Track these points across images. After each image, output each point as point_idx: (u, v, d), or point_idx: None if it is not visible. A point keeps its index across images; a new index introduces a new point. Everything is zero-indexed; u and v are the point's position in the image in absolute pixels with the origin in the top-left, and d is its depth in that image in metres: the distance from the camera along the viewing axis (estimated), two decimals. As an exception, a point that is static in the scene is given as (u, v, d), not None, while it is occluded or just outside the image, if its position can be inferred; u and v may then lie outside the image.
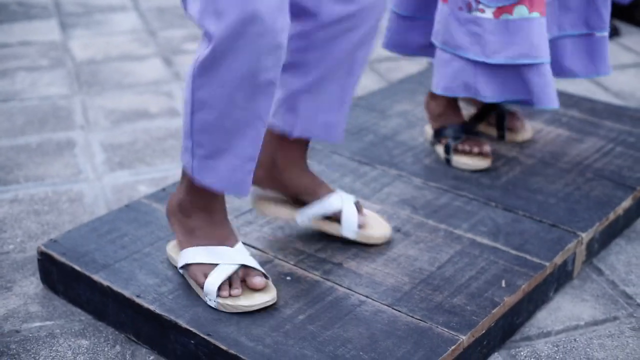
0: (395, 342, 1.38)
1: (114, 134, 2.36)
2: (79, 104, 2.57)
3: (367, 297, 1.50)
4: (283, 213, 1.65)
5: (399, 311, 1.46)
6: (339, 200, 1.63)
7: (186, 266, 1.49)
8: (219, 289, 1.44)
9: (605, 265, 1.76)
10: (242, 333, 1.39)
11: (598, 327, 1.57)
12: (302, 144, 1.62)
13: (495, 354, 1.50)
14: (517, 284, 1.53)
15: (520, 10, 1.77)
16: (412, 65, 2.85)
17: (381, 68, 2.89)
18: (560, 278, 1.66)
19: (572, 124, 2.20)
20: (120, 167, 2.17)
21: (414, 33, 2.03)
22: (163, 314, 1.44)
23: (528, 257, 1.61)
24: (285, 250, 1.63)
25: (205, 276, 1.46)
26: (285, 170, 1.61)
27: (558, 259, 1.62)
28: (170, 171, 2.14)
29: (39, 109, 2.53)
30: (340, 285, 1.53)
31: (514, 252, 1.63)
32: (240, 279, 1.46)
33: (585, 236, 1.70)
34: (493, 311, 1.46)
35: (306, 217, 1.63)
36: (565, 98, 2.35)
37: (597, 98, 2.51)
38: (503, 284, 1.53)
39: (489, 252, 1.63)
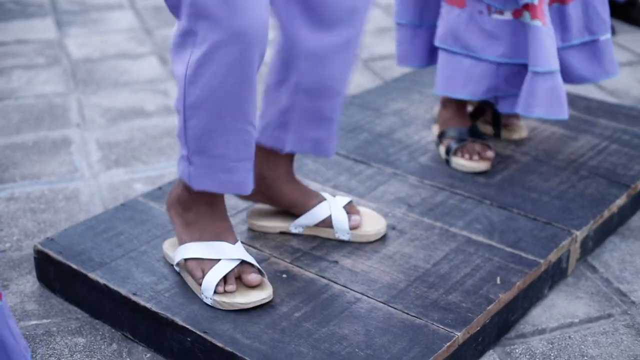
0: (391, 339, 1.39)
1: (110, 132, 2.37)
2: (75, 102, 2.57)
3: (362, 294, 1.50)
4: (275, 225, 1.67)
5: (395, 308, 1.46)
6: (327, 208, 1.65)
7: (183, 262, 1.50)
8: (216, 285, 1.45)
9: (600, 263, 1.77)
10: (238, 330, 1.40)
11: (592, 325, 1.58)
12: (288, 157, 1.64)
13: (490, 350, 1.51)
14: (511, 281, 1.54)
15: (525, 17, 1.78)
16: (408, 64, 2.86)
17: (376, 66, 2.90)
18: (555, 275, 1.67)
19: (566, 122, 2.21)
20: (117, 165, 2.17)
21: (419, 40, 2.03)
22: (159, 311, 1.45)
23: (523, 254, 1.62)
24: (281, 248, 1.64)
25: (203, 272, 1.46)
26: (273, 184, 1.64)
27: (552, 257, 1.63)
28: (166, 169, 2.15)
29: (35, 107, 2.53)
30: (336, 283, 1.53)
31: (508, 249, 1.64)
32: (236, 275, 1.47)
33: (580, 234, 1.71)
34: (488, 308, 1.47)
35: (300, 226, 1.67)
36: (560, 96, 2.36)
37: (592, 96, 2.51)
38: (498, 281, 1.54)
39: (484, 250, 1.64)
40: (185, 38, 1.35)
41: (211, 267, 1.46)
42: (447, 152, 1.97)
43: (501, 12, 1.82)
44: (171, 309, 1.45)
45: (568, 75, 1.94)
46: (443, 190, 1.86)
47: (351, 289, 1.52)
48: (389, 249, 1.64)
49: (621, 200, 1.84)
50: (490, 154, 1.94)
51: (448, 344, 1.38)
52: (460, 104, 2.04)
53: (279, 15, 1.48)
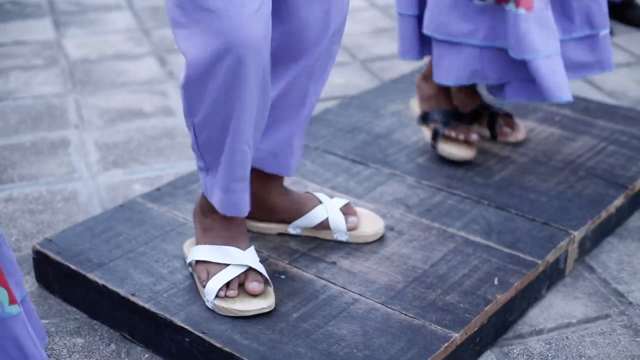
0: (389, 339, 1.39)
1: (108, 133, 2.37)
2: (73, 103, 2.57)
3: (360, 295, 1.50)
4: (274, 227, 1.67)
5: (393, 309, 1.47)
6: (324, 211, 1.65)
7: (195, 263, 1.50)
8: (218, 289, 1.45)
9: (597, 263, 1.77)
10: (236, 331, 1.40)
11: (590, 325, 1.58)
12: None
13: (488, 351, 1.51)
14: (509, 281, 1.54)
15: (510, 5, 1.79)
16: (406, 65, 2.86)
17: (374, 67, 2.90)
18: (553, 276, 1.67)
19: (565, 122, 2.21)
20: (115, 166, 2.17)
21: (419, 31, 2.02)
22: (158, 312, 1.45)
23: (521, 255, 1.62)
24: (279, 249, 1.64)
25: (209, 275, 1.47)
26: (267, 199, 1.64)
27: (550, 257, 1.63)
28: (164, 170, 2.15)
29: (33, 108, 2.53)
30: (334, 284, 1.54)
31: (506, 250, 1.64)
32: (240, 282, 1.47)
33: (578, 234, 1.71)
34: (486, 309, 1.47)
35: (298, 229, 1.67)
36: (558, 97, 2.36)
37: (590, 97, 2.52)
38: (496, 282, 1.54)
39: (482, 250, 1.64)
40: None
41: (217, 271, 1.46)
42: (434, 136, 1.98)
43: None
44: (170, 310, 1.45)
45: (564, 67, 1.95)
46: (441, 190, 1.86)
47: (349, 290, 1.52)
48: (387, 249, 1.64)
49: (619, 201, 1.85)
50: (474, 136, 1.96)
51: (446, 344, 1.38)
52: None
53: None
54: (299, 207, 1.66)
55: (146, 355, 1.49)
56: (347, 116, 2.23)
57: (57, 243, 1.64)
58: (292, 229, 1.67)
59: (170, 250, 1.62)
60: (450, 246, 1.65)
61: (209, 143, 1.39)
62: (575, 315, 1.61)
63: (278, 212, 1.65)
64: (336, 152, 2.03)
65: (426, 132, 2.04)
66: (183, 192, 1.83)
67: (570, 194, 1.85)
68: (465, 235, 1.69)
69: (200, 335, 1.39)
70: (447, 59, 1.91)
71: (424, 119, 2.05)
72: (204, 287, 1.46)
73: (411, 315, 1.45)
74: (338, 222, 1.65)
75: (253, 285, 1.45)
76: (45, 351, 1.49)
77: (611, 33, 3.20)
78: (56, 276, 1.62)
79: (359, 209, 1.71)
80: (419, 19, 2.00)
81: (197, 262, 1.49)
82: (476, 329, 1.45)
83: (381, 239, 1.67)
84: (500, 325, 1.53)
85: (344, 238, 1.65)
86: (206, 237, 1.51)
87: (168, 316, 1.44)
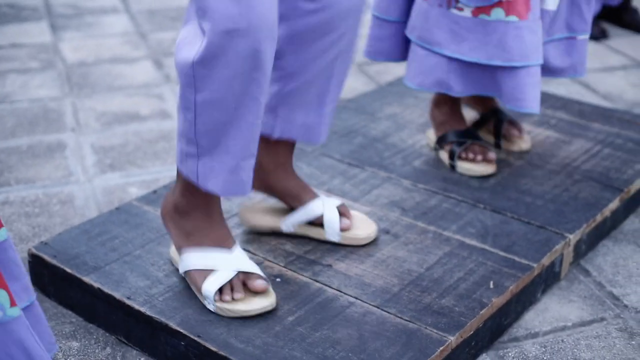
0: (384, 343, 1.39)
1: (104, 136, 2.37)
2: (69, 106, 2.57)
3: (356, 298, 1.51)
4: (267, 222, 1.67)
5: (388, 312, 1.47)
6: (320, 206, 1.65)
7: (187, 272, 1.50)
8: (221, 292, 1.45)
9: (593, 267, 1.77)
10: (232, 335, 1.40)
11: (585, 328, 1.58)
12: (288, 147, 1.63)
13: (484, 354, 1.51)
14: (505, 285, 1.55)
15: (497, 13, 1.78)
16: (402, 68, 2.86)
17: (370, 70, 2.91)
18: (548, 279, 1.68)
19: (560, 126, 2.21)
20: (111, 170, 2.17)
21: (398, 38, 2.03)
22: (153, 315, 1.45)
23: (516, 258, 1.63)
24: (275, 252, 1.64)
25: (205, 279, 1.46)
26: (271, 172, 1.63)
27: (546, 260, 1.64)
28: (161, 173, 2.15)
29: (29, 111, 2.53)
30: (330, 287, 1.54)
31: (502, 253, 1.64)
32: (242, 281, 1.47)
33: (573, 238, 1.72)
34: (481, 312, 1.47)
35: (290, 224, 1.66)
36: (554, 100, 2.37)
37: (585, 100, 2.52)
38: (491, 285, 1.54)
39: (477, 254, 1.64)
40: (193, 34, 1.35)
41: (213, 275, 1.46)
42: (452, 156, 1.97)
43: (461, 9, 1.82)
44: (165, 313, 1.45)
45: (543, 68, 1.95)
46: (437, 194, 1.87)
47: (345, 293, 1.52)
48: (383, 252, 1.64)
49: (614, 204, 1.85)
50: (492, 155, 1.95)
51: (441, 348, 1.38)
52: (453, 104, 2.05)
53: None
54: (299, 193, 1.65)
55: (142, 359, 1.49)
56: (344, 119, 2.24)
57: (53, 246, 1.64)
58: (284, 226, 1.66)
59: (166, 254, 1.62)
60: (445, 249, 1.66)
61: (210, 124, 1.37)
62: (571, 319, 1.61)
63: (279, 189, 1.64)
64: (332, 155, 2.03)
65: (444, 156, 2.01)
66: (179, 196, 1.83)
67: (565, 197, 1.85)
68: (460, 239, 1.69)
69: (196, 338, 1.39)
70: (417, 62, 1.91)
71: (440, 142, 2.03)
72: (202, 292, 1.46)
73: (407, 319, 1.45)
74: (333, 220, 1.64)
75: (258, 283, 1.45)
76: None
77: (606, 36, 3.21)
78: (52, 279, 1.62)
79: (352, 212, 1.71)
80: (396, 24, 2.01)
81: (190, 271, 1.49)
82: (472, 332, 1.45)
83: (377, 242, 1.67)
84: (496, 328, 1.54)
85: (335, 239, 1.65)
86: (191, 240, 1.50)
87: (163, 320, 1.44)
